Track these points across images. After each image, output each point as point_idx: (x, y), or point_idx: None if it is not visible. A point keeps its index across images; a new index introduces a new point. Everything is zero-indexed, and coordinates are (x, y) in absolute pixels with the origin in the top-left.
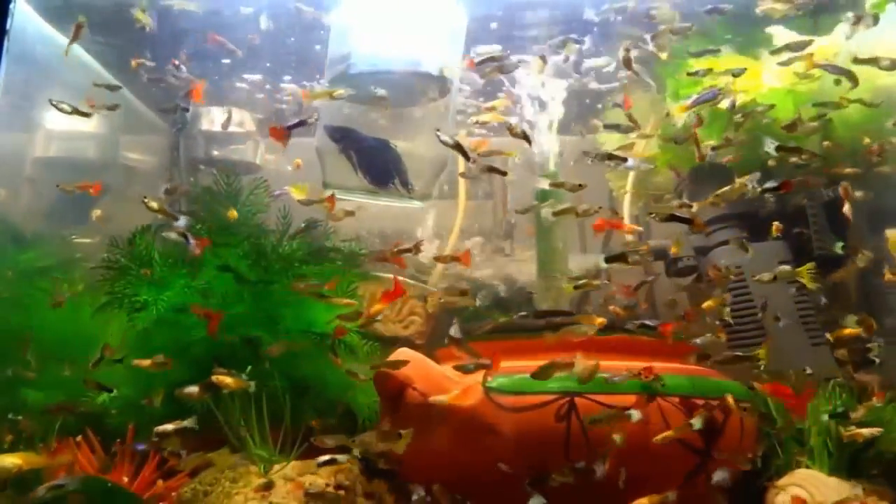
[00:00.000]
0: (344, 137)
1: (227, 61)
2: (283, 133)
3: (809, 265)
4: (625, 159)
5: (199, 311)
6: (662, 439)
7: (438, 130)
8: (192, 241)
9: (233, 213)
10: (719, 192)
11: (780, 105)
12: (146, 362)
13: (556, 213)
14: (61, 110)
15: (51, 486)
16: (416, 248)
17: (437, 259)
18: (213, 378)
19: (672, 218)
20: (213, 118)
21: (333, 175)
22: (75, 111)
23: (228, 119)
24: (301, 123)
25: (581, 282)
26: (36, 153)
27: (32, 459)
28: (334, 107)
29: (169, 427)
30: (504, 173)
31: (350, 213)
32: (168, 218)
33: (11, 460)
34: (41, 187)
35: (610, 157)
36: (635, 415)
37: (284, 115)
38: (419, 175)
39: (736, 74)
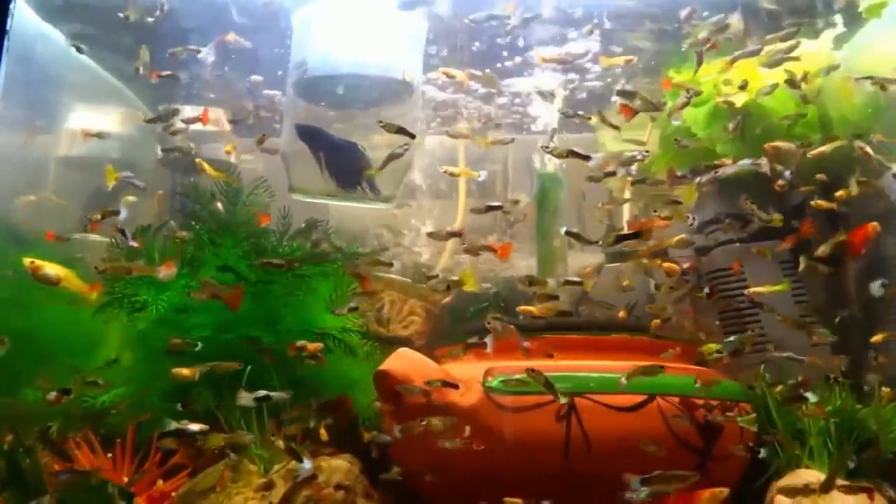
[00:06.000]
0: (314, 137)
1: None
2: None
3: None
4: (587, 157)
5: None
6: None
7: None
8: None
9: None
10: None
11: (780, 105)
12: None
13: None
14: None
15: None
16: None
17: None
18: (172, 371)
19: (571, 154)
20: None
21: (299, 179)
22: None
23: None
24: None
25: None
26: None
27: (72, 280)
28: (299, 108)
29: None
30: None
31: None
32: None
33: (55, 270)
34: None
35: (571, 153)
36: None
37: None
38: (382, 177)
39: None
